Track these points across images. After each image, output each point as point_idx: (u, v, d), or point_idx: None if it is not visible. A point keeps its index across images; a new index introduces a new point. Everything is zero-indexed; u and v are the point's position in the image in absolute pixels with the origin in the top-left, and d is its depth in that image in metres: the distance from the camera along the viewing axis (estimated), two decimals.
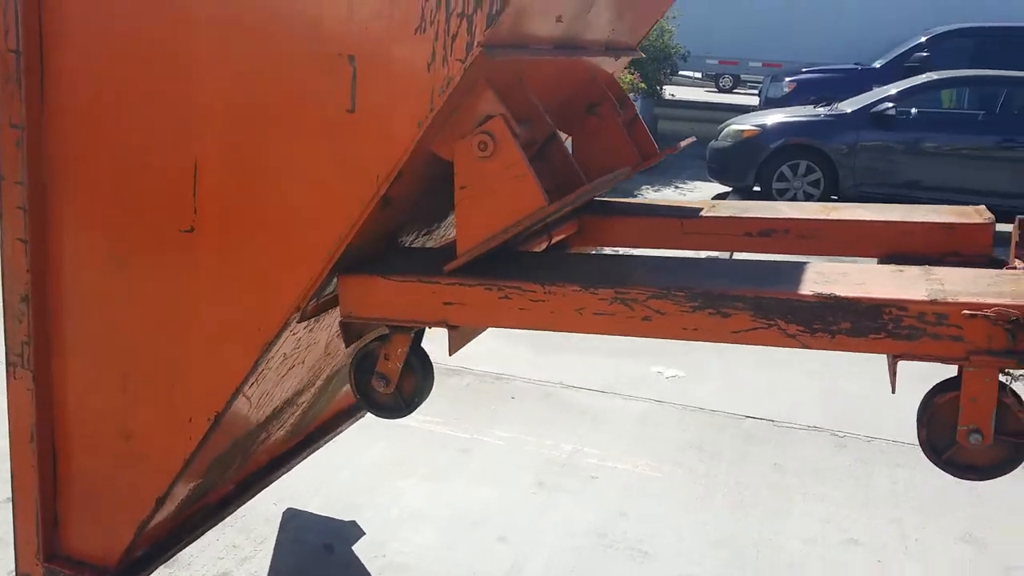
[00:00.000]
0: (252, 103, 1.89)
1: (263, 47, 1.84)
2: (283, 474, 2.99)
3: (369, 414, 2.42)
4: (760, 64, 19.28)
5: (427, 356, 2.09)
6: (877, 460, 4.33)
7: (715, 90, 26.19)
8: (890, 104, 10.21)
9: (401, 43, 1.75)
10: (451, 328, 1.95)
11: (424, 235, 2.36)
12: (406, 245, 2.27)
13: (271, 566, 3.28)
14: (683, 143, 2.75)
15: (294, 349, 2.19)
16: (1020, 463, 1.74)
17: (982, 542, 3.64)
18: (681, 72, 21.04)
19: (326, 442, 3.21)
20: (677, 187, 13.21)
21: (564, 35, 2.15)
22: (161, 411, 2.15)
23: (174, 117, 1.94)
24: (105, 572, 2.33)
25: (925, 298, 1.67)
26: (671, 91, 17.59)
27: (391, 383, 2.04)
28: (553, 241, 2.50)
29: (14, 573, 2.37)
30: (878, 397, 4.97)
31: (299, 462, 3.08)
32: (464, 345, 2.03)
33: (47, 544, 2.34)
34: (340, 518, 3.60)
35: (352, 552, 3.39)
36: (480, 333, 2.08)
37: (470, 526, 3.60)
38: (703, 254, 2.55)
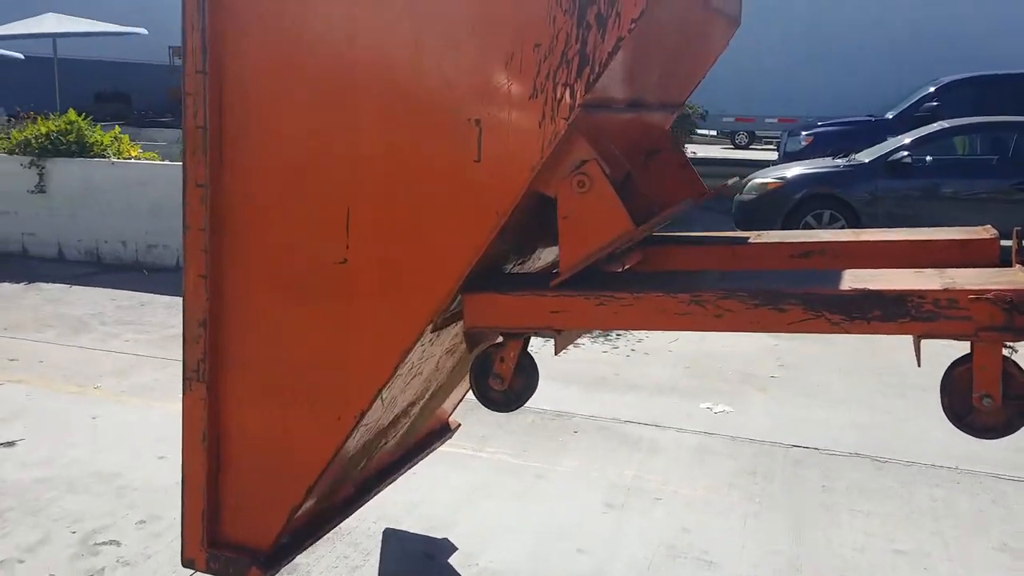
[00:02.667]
0: (400, 158, 2.40)
1: (412, 116, 2.36)
2: (388, 484, 3.43)
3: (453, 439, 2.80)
4: (776, 120, 19.96)
5: (533, 359, 2.55)
6: (916, 481, 4.71)
7: (731, 147, 26.83)
8: (906, 153, 10.72)
9: (520, 109, 2.26)
10: (557, 332, 2.42)
11: (519, 263, 2.84)
12: (507, 271, 2.76)
13: (379, 572, 3.70)
14: (729, 182, 3.24)
15: (420, 359, 2.67)
16: None
17: (1018, 552, 3.99)
18: (700, 131, 21.69)
19: (421, 459, 3.65)
20: None
21: (630, 96, 2.67)
22: (315, 412, 2.61)
23: (335, 171, 2.45)
24: (258, 555, 2.76)
25: (939, 288, 2.13)
26: (691, 150, 18.25)
27: (505, 381, 2.50)
28: (624, 268, 2.98)
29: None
30: (912, 428, 5.38)
31: (401, 475, 3.52)
32: (566, 347, 2.50)
33: (210, 532, 2.78)
34: (434, 535, 4.02)
35: (449, 563, 3.80)
36: (577, 338, 2.54)
37: (552, 539, 4.01)
38: None
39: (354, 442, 2.70)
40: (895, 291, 2.13)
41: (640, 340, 7.03)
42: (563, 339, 2.47)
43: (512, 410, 2.58)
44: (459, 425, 3.97)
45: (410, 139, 2.38)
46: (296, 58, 2.45)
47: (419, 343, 2.49)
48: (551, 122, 2.24)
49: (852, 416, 5.64)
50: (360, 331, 2.52)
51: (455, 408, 3.91)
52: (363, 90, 2.39)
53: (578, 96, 2.21)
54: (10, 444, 5.11)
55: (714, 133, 26.29)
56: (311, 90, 2.44)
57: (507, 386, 2.51)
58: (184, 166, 2.57)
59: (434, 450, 3.76)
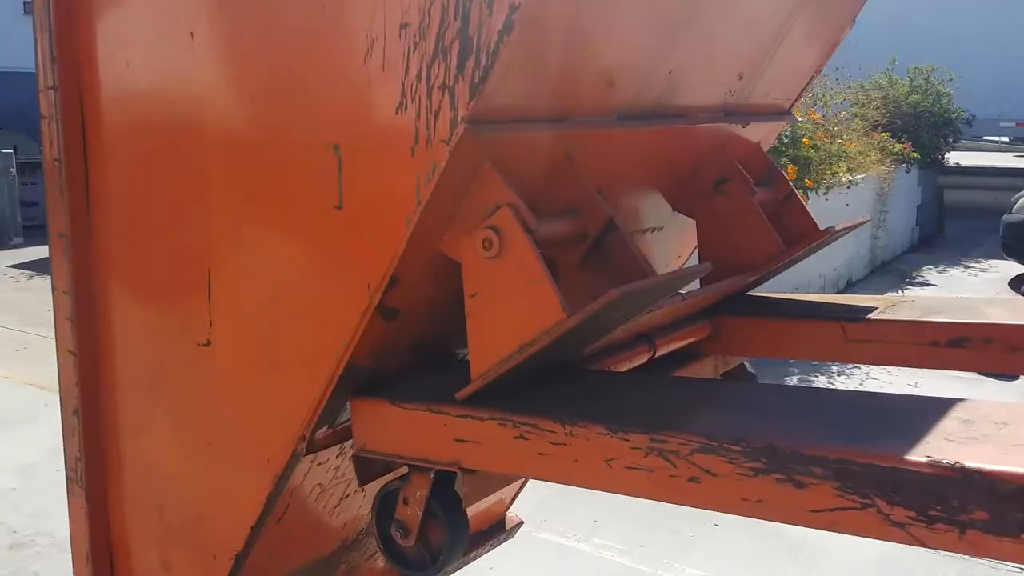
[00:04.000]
0: (255, 209, 1.66)
1: (264, 143, 1.61)
2: None
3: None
4: None
5: (459, 501, 1.69)
6: None
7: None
8: None
9: (382, 125, 1.44)
10: (465, 472, 1.55)
11: None
12: (461, 357, 1.92)
13: None
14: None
15: (333, 480, 1.90)
16: None
17: None
18: (984, 137, 18.95)
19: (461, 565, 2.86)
20: (967, 267, 11.61)
21: (636, 101, 1.73)
22: (192, 545, 1.94)
23: (191, 230, 1.77)
24: None
25: None
26: (956, 158, 15.69)
27: (411, 534, 1.67)
28: (659, 352, 2.01)
29: None
30: None
31: None
32: (484, 498, 1.62)
33: None
34: None
35: None
36: (516, 483, 1.63)
37: None
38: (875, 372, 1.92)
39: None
40: (1018, 478, 1.06)
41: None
42: (477, 486, 1.59)
43: (434, 574, 1.73)
44: (520, 523, 3.12)
45: (264, 179, 1.63)
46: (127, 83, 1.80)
47: (297, 466, 1.72)
48: (426, 147, 1.40)
49: None
50: (228, 447, 1.81)
51: (514, 499, 3.07)
52: (206, 112, 1.68)
53: (460, 105, 1.35)
54: None
55: (1005, 139, 22.80)
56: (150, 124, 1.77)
57: (415, 541, 1.67)
58: (47, 206, 2.00)
59: (480, 556, 2.95)
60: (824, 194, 8.43)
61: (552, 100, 1.52)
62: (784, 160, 7.74)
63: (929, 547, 1.11)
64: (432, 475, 1.64)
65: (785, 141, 8.00)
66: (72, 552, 2.16)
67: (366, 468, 1.70)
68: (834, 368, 6.31)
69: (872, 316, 2.01)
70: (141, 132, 1.82)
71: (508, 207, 1.44)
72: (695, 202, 2.17)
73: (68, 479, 2.10)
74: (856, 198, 9.38)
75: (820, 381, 5.99)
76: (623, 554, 3.90)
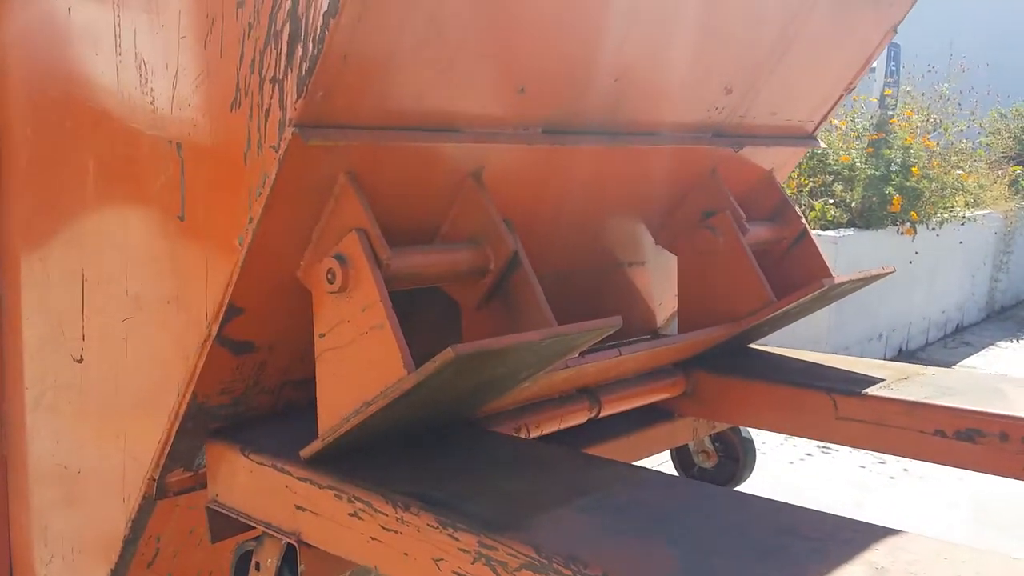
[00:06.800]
0: (112, 205, 1.46)
1: (121, 139, 1.41)
2: None
3: None
4: None
5: None
6: None
7: None
8: None
9: (217, 124, 1.21)
10: (305, 547, 1.29)
11: None
12: None
13: None
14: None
15: None
16: None
17: None
18: None
19: None
20: None
21: (574, 113, 1.43)
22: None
23: (69, 228, 1.58)
24: None
25: None
26: None
27: None
28: (606, 411, 1.70)
29: None
30: None
31: None
32: None
33: None
34: None
35: None
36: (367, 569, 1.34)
37: None
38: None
39: None
40: None
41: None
42: (321, 566, 1.32)
43: None
44: None
45: (121, 175, 1.42)
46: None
47: (151, 511, 1.51)
48: (257, 154, 1.16)
49: None
50: (91, 478, 1.61)
51: None
52: (78, 103, 1.48)
53: (288, 103, 1.10)
54: None
55: None
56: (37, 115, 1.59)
57: None
58: None
59: None
60: (935, 230, 7.75)
61: (436, 106, 1.25)
62: (889, 190, 7.14)
63: None
64: (284, 543, 1.39)
65: (893, 168, 7.39)
66: None
67: (220, 523, 1.46)
68: None
69: (870, 391, 1.64)
70: (27, 121, 1.64)
71: (356, 232, 1.18)
72: (677, 236, 1.86)
73: None
74: (973, 235, 8.59)
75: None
76: None
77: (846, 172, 7.33)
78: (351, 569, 1.33)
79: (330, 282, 1.20)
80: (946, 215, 8.00)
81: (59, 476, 1.71)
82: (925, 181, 7.65)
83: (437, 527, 1.08)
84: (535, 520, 1.06)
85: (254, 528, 1.44)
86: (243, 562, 1.47)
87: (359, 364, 1.19)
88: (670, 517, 1.08)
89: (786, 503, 1.09)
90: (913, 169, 7.49)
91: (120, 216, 1.42)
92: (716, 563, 0.93)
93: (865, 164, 7.33)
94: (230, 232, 1.21)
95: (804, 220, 1.93)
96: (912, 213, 7.25)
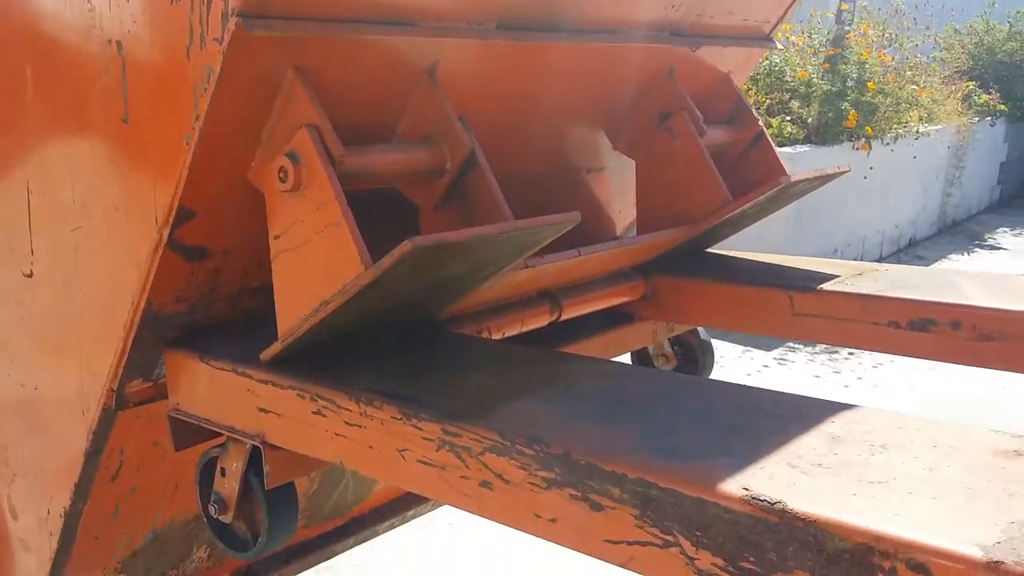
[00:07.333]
0: (55, 112, 1.41)
1: (57, 41, 1.35)
2: (310, 566, 2.47)
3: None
4: None
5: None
6: None
7: None
8: None
9: (158, 19, 1.16)
10: (269, 448, 1.30)
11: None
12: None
13: None
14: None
15: None
16: None
17: None
18: None
19: (384, 530, 2.64)
20: None
21: (530, 8, 1.40)
22: (31, 495, 1.74)
23: (12, 137, 1.52)
24: None
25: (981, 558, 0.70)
26: None
27: (227, 510, 1.43)
28: (567, 314, 1.71)
29: None
30: None
31: (341, 551, 2.55)
32: (296, 478, 1.36)
33: None
34: None
35: None
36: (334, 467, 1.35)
37: None
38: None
39: (108, 543, 1.79)
40: (855, 532, 0.75)
41: (877, 365, 5.24)
42: (285, 465, 1.32)
43: (252, 557, 1.49)
44: None
45: (61, 79, 1.37)
46: None
47: (113, 422, 1.50)
48: (200, 47, 1.12)
49: None
50: (48, 393, 1.59)
51: None
52: (11, 6, 1.41)
53: None
54: None
55: None
56: None
57: (233, 518, 1.44)
58: None
59: (405, 520, 2.71)
60: (889, 145, 7.82)
61: None
62: (845, 105, 7.16)
63: None
64: (249, 446, 1.39)
65: (849, 84, 7.40)
66: None
67: (182, 431, 1.46)
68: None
69: (826, 286, 1.67)
70: None
71: (307, 129, 1.15)
72: (635, 139, 1.84)
73: None
74: (927, 150, 8.70)
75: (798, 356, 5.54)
76: None
77: (803, 89, 7.33)
78: (315, 469, 1.34)
79: (282, 181, 1.17)
80: (900, 130, 8.06)
81: (16, 394, 1.69)
82: (880, 96, 7.68)
83: (401, 418, 1.09)
84: (499, 409, 1.07)
85: (217, 436, 1.44)
86: (208, 469, 1.47)
87: (316, 264, 1.18)
88: (633, 401, 1.10)
89: (749, 386, 1.11)
90: (869, 84, 7.50)
91: (62, 123, 1.38)
92: (677, 440, 0.95)
93: (821, 80, 7.33)
94: (176, 132, 1.18)
95: (760, 122, 1.93)
96: (867, 128, 7.29)
